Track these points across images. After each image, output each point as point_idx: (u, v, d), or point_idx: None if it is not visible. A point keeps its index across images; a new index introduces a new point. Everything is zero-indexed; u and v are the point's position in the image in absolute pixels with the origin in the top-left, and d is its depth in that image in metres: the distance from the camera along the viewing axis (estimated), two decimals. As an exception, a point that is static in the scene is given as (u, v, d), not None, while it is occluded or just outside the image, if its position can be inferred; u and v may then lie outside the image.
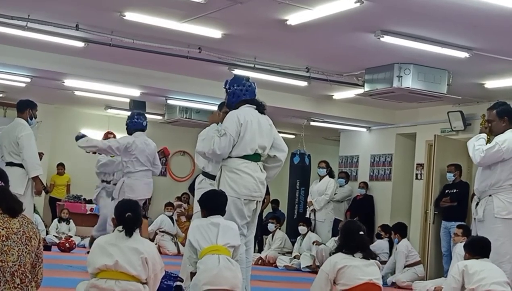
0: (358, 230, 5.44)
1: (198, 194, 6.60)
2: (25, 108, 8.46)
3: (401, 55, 9.42)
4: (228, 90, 6.43)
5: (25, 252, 3.69)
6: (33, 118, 8.48)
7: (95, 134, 16.67)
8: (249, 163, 6.17)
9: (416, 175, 13.39)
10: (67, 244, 12.30)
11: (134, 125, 9.34)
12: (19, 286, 3.62)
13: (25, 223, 3.78)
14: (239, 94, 6.37)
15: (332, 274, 5.23)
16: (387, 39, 8.51)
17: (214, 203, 5.71)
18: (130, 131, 9.34)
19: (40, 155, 8.49)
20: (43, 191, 8.66)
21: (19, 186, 7.96)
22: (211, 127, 6.35)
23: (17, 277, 3.62)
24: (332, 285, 5.29)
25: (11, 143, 8.20)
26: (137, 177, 9.09)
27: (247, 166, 6.15)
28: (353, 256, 5.29)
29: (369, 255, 5.36)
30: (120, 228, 4.68)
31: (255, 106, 6.34)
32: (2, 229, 3.65)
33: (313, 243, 12.58)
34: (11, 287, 3.59)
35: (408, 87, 9.77)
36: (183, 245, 13.47)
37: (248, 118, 6.20)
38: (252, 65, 10.53)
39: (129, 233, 4.64)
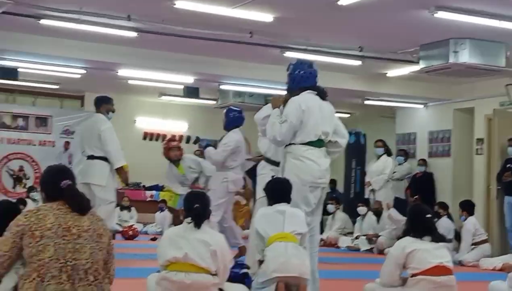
0: (425, 213, 5.35)
1: (260, 180, 6.58)
2: (101, 104, 8.70)
3: (457, 30, 9.25)
4: (290, 75, 6.36)
5: (97, 249, 3.70)
6: (110, 112, 8.67)
7: (150, 121, 16.91)
8: (313, 149, 6.11)
9: (476, 150, 13.16)
10: (130, 232, 12.46)
11: (235, 121, 8.97)
12: (93, 283, 3.64)
13: (95, 220, 3.79)
14: (300, 81, 6.29)
15: (401, 258, 5.15)
16: (441, 14, 8.36)
17: (280, 191, 5.69)
18: (229, 127, 8.98)
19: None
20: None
21: (101, 178, 8.33)
22: (274, 112, 6.29)
23: (91, 274, 3.64)
24: (401, 269, 5.22)
25: (92, 138, 8.43)
26: (237, 170, 8.93)
27: (312, 153, 6.09)
28: (422, 240, 5.21)
29: (438, 238, 5.27)
30: (188, 219, 4.69)
31: (316, 93, 6.27)
32: (73, 227, 3.67)
33: (366, 237, 12.43)
34: (85, 284, 3.61)
35: (465, 63, 9.62)
36: (242, 228, 13.54)
37: (310, 104, 6.13)
38: (304, 47, 10.46)
39: (197, 225, 4.64)
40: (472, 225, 10.81)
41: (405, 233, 5.33)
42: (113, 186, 8.52)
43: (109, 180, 8.39)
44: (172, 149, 9.81)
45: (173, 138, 10.08)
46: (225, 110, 9.17)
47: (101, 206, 8.25)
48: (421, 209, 5.43)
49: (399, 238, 5.49)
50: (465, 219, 10.94)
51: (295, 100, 6.15)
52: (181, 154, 9.83)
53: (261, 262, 5.47)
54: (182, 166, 9.78)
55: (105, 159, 8.39)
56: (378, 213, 12.34)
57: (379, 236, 12.08)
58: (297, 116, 6.06)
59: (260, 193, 6.43)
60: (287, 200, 5.67)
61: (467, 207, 11.09)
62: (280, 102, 6.32)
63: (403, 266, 5.20)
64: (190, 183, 9.79)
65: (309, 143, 6.10)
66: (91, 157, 8.44)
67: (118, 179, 8.72)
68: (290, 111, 6.10)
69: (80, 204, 3.78)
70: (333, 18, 9.15)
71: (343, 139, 6.44)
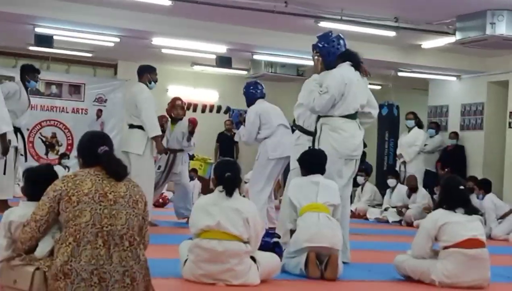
0: (458, 184, 5.32)
1: (295, 150, 6.59)
2: (143, 73, 8.69)
3: (494, 1, 9.11)
4: (321, 52, 6.35)
5: (133, 215, 3.74)
6: (152, 82, 8.68)
7: (181, 90, 16.96)
8: (350, 122, 6.14)
9: (509, 123, 13.00)
10: (160, 200, 12.56)
11: (253, 95, 8.92)
12: (128, 249, 3.68)
13: (131, 186, 3.83)
14: (335, 52, 6.31)
15: (433, 230, 5.15)
16: (479, -15, 8.24)
17: (315, 162, 5.70)
18: (250, 102, 8.91)
19: (163, 118, 8.76)
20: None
21: (138, 147, 8.35)
22: (312, 77, 6.29)
23: (126, 240, 3.68)
24: (433, 242, 5.21)
25: (131, 106, 8.53)
26: (277, 135, 8.61)
27: (349, 126, 6.13)
28: (455, 212, 5.19)
29: (472, 210, 5.24)
30: (220, 188, 4.71)
31: (351, 63, 6.27)
32: (110, 193, 3.71)
33: (395, 208, 12.35)
34: (121, 250, 3.65)
35: (502, 34, 9.51)
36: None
37: (352, 77, 6.16)
38: (339, 17, 10.37)
39: (229, 193, 4.67)
40: (490, 201, 10.70)
41: (438, 205, 5.31)
42: (150, 156, 8.51)
43: (147, 149, 8.39)
44: (175, 106, 9.74)
45: (180, 98, 9.97)
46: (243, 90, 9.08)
47: (138, 176, 8.24)
48: (455, 180, 5.40)
49: (432, 210, 5.48)
50: (483, 197, 10.84)
51: (336, 73, 6.16)
52: (183, 114, 9.76)
53: (292, 231, 5.51)
54: (175, 126, 9.69)
55: (143, 128, 8.42)
56: (412, 189, 12.23)
57: (408, 208, 12.04)
58: (339, 89, 6.07)
59: (294, 163, 6.44)
60: (322, 171, 5.70)
61: (484, 185, 11.02)
62: (320, 66, 6.29)
63: (435, 239, 5.19)
64: (167, 147, 9.62)
65: (347, 116, 6.13)
66: (130, 126, 8.55)
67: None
68: (332, 83, 6.09)
69: (116, 170, 3.80)
70: (369, -12, 9.07)
71: (375, 110, 6.48)
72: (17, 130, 9.30)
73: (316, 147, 6.11)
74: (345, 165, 6.14)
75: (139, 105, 8.36)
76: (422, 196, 12.03)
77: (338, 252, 5.47)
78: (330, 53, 6.33)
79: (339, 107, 6.13)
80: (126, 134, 8.76)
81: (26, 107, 9.51)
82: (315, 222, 5.33)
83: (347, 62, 6.25)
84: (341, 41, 6.44)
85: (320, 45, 6.40)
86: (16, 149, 9.22)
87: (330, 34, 6.50)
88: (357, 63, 6.31)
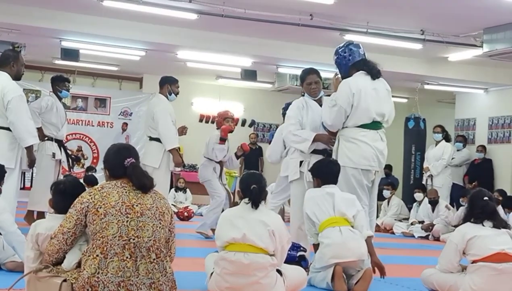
0: (482, 196, 5.23)
1: (290, 164, 6.59)
2: (164, 84, 8.52)
3: (522, 13, 9.04)
4: (336, 63, 6.31)
5: (159, 227, 3.74)
6: (172, 94, 8.48)
7: (206, 104, 16.99)
8: (367, 132, 6.03)
9: (538, 136, 12.91)
10: (185, 213, 12.59)
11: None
12: (155, 261, 3.68)
13: (158, 198, 3.82)
14: (346, 62, 6.22)
15: (461, 244, 5.08)
16: (507, -4, 8.18)
17: (328, 172, 5.64)
18: None
19: (184, 129, 8.68)
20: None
21: (154, 160, 8.16)
22: (331, 96, 6.26)
23: (153, 252, 3.68)
24: (461, 256, 5.15)
25: (149, 118, 8.40)
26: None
27: (365, 135, 6.02)
28: (483, 225, 5.12)
29: (500, 223, 5.16)
30: (246, 200, 4.70)
31: (366, 72, 6.16)
32: (137, 205, 3.71)
33: (421, 226, 12.21)
34: (147, 262, 3.65)
35: (530, 47, 9.42)
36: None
37: (361, 86, 6.03)
38: (365, 30, 10.35)
39: (255, 205, 4.65)
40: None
41: (466, 219, 5.24)
42: (166, 169, 8.28)
43: (163, 162, 8.18)
44: (227, 119, 9.67)
45: (229, 111, 9.93)
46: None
47: None
48: (479, 193, 5.32)
49: (458, 224, 5.41)
50: (508, 215, 10.68)
51: (345, 83, 6.08)
52: (233, 127, 9.73)
53: (315, 245, 5.47)
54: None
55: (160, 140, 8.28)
56: (433, 202, 12.13)
57: (434, 224, 11.92)
58: (347, 100, 5.98)
59: (308, 175, 6.46)
60: (335, 181, 5.64)
61: (509, 203, 10.86)
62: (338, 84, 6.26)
63: (463, 253, 5.12)
64: (218, 159, 9.63)
65: (363, 126, 6.03)
66: (150, 138, 8.39)
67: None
68: (339, 94, 6.04)
69: (143, 182, 3.80)
70: (395, 0, 9.02)
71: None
72: (59, 143, 9.37)
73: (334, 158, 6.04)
74: (364, 175, 6.03)
75: (156, 117, 8.18)
76: (444, 209, 11.91)
77: (364, 262, 5.41)
78: (341, 64, 6.26)
79: (351, 117, 6.02)
80: (145, 147, 8.64)
81: (64, 118, 9.52)
82: (338, 237, 5.28)
83: (361, 71, 6.16)
84: (353, 49, 6.26)
85: (335, 58, 6.34)
86: (60, 161, 9.31)
87: (343, 45, 6.36)
88: (375, 72, 6.19)
